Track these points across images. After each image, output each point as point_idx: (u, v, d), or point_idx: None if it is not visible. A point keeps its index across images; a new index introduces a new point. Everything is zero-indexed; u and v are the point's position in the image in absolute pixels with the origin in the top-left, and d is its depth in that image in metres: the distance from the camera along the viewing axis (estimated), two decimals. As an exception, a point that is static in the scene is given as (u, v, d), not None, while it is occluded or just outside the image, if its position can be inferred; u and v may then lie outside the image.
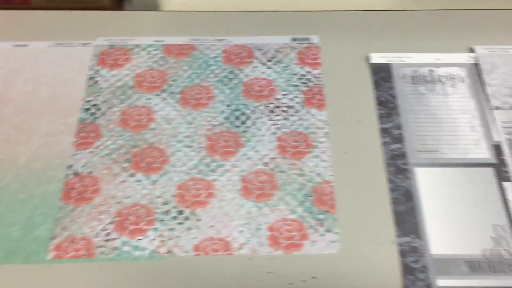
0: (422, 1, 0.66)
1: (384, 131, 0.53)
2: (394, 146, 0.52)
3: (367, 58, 0.59)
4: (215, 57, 0.59)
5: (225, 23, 0.62)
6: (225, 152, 0.52)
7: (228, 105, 0.55)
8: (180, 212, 0.48)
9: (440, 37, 0.60)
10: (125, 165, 0.50)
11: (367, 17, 0.63)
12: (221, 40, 0.61)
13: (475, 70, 0.57)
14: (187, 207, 0.48)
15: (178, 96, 0.56)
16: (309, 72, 0.58)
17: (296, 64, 0.59)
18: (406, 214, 0.48)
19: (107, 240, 0.46)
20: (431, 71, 0.58)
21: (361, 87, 0.57)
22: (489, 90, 0.55)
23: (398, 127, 0.53)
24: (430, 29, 0.61)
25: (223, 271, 0.44)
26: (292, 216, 0.48)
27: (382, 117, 0.54)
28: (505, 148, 0.51)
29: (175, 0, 0.68)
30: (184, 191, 0.49)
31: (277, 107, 0.55)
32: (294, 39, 0.61)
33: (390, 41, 0.60)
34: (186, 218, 0.47)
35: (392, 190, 0.49)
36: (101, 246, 0.46)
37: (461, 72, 0.57)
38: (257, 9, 0.64)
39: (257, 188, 0.49)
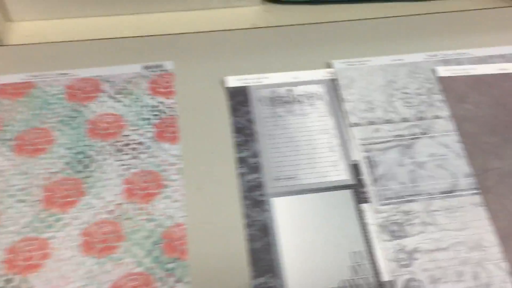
0: (277, 18, 0.63)
1: (241, 161, 0.50)
2: (251, 177, 0.49)
3: (223, 82, 0.55)
4: (56, 94, 0.53)
5: (70, 54, 0.57)
6: (64, 203, 0.46)
7: (69, 148, 0.50)
8: (9, 281, 0.42)
9: (299, 54, 0.58)
10: None
11: (223, 37, 0.59)
12: (64, 74, 0.55)
13: (334, 86, 0.55)
14: (17, 273, 0.42)
15: (11, 143, 0.50)
16: (161, 102, 0.54)
17: (147, 94, 0.54)
18: (262, 252, 0.45)
19: None
20: (289, 90, 0.55)
21: (217, 114, 0.53)
22: (347, 106, 0.54)
23: (256, 155, 0.50)
24: (288, 46, 0.59)
25: None
26: (138, 270, 0.43)
27: (238, 145, 0.51)
28: (363, 167, 0.50)
29: (19, 32, 0.62)
30: (14, 255, 0.43)
31: (126, 145, 0.50)
32: (146, 67, 0.56)
33: (247, 61, 0.57)
34: (16, 287, 0.42)
35: (248, 225, 0.46)
36: None
37: (319, 89, 0.55)
38: (107, 36, 0.59)
39: (100, 241, 0.44)
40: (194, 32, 0.60)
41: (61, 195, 0.47)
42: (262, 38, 0.60)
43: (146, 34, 0.59)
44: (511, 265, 0.44)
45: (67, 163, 0.49)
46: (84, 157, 0.49)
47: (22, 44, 0.59)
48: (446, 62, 0.57)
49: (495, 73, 0.56)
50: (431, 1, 0.64)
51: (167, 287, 0.43)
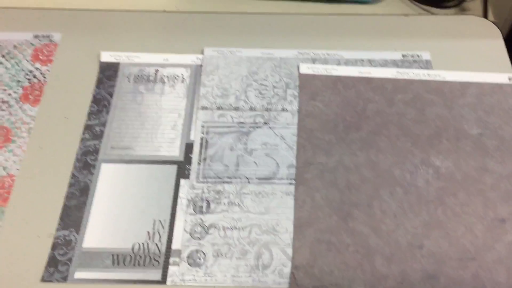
0: (183, 4, 0.67)
1: (87, 128, 0.54)
2: (91, 143, 0.53)
3: (99, 57, 0.60)
4: None
5: (-26, 18, 0.63)
6: None
7: None
8: None
9: (177, 38, 0.62)
10: None
11: (114, 17, 0.64)
12: (-39, 35, 0.61)
13: (198, 71, 0.59)
14: None
15: None
16: (38, 68, 0.59)
17: (28, 60, 0.59)
18: (75, 209, 0.49)
19: None
20: (156, 71, 0.59)
21: (85, 85, 0.58)
22: (202, 90, 0.57)
23: (103, 124, 0.55)
24: (170, 30, 0.63)
25: None
26: (-39, 209, 0.48)
27: (91, 114, 0.55)
28: (196, 147, 0.53)
29: None
30: None
31: (-8, 102, 0.56)
32: (36, 36, 0.62)
33: (129, 40, 0.61)
34: None
35: (71, 185, 0.50)
36: None
37: (185, 73, 0.59)
38: (10, 6, 0.65)
39: None
40: (86, 9, 0.64)
41: None
42: (151, 21, 0.63)
43: (43, 7, 0.65)
44: (293, 251, 0.46)
45: None
46: (-48, 108, 0.55)
47: None
48: (314, 60, 0.60)
49: (355, 75, 0.58)
50: (318, 3, 0.66)
51: (-20, 227, 0.48)
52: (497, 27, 0.64)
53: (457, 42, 0.61)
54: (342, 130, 0.54)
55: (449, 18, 0.64)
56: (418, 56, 0.60)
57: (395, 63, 0.59)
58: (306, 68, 0.59)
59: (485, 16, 0.67)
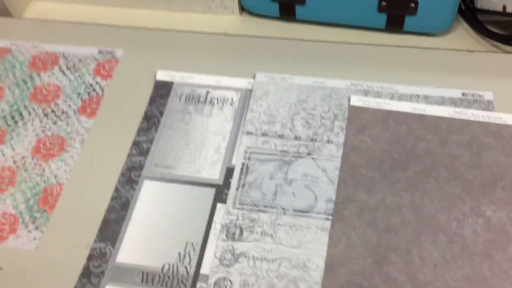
0: (247, 28, 0.68)
1: (135, 144, 0.56)
2: (137, 158, 0.55)
3: (155, 75, 0.62)
4: (23, 61, 0.64)
5: (53, 32, 0.68)
6: (-16, 147, 0.56)
7: (11, 106, 0.60)
8: None
9: (231, 62, 0.63)
10: None
11: (171, 36, 0.66)
12: (36, 46, 0.66)
13: (248, 95, 0.59)
14: None
15: (-30, 93, 0.61)
16: (98, 82, 0.62)
17: (90, 74, 0.63)
18: (114, 223, 0.51)
19: None
20: (207, 92, 0.60)
21: (138, 102, 0.60)
22: (249, 115, 0.57)
23: (150, 141, 0.56)
24: (227, 52, 0.64)
25: None
26: (13, 211, 0.51)
27: (140, 131, 0.57)
28: (237, 172, 0.53)
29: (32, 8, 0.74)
30: None
31: (53, 111, 0.59)
32: (100, 51, 0.65)
33: (187, 61, 0.63)
34: None
35: (113, 198, 0.52)
36: None
37: (234, 96, 0.59)
38: (86, 22, 0.69)
39: (-4, 182, 0.54)
40: (150, 28, 0.67)
41: (-14, 141, 0.57)
42: (209, 43, 0.65)
43: (108, 23, 0.68)
44: None
45: (3, 117, 0.59)
46: (18, 115, 0.59)
47: (26, 18, 0.71)
48: (366, 92, 0.58)
49: (408, 111, 0.56)
50: (379, 32, 0.64)
51: (26, 231, 0.50)
52: None
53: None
54: (388, 168, 0.52)
55: (517, 57, 0.60)
56: (480, 96, 0.56)
57: (453, 102, 0.56)
58: (357, 101, 0.57)
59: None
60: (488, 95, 0.56)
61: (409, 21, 0.62)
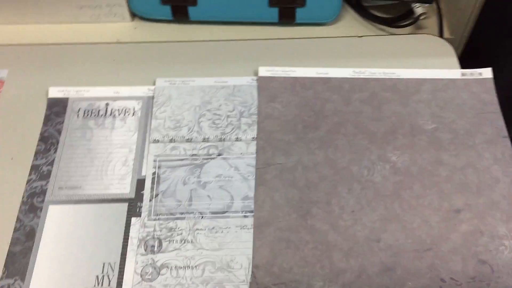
0: (139, 35, 0.66)
1: (34, 168, 0.52)
2: (38, 184, 0.51)
3: (48, 93, 0.58)
4: None
5: None
6: None
7: None
8: None
9: (129, 70, 0.61)
10: None
11: (61, 50, 0.62)
12: None
13: (150, 102, 0.57)
14: None
15: None
16: (-17, 108, 0.57)
17: (-27, 99, 0.57)
18: (20, 255, 0.47)
19: None
20: (107, 105, 0.57)
21: (32, 123, 0.56)
22: (154, 123, 0.56)
23: (51, 164, 0.53)
24: (123, 61, 0.61)
25: None
26: None
27: (38, 154, 0.53)
28: (148, 182, 0.51)
29: None
30: None
31: None
32: (-18, 74, 0.60)
33: (81, 74, 0.60)
34: None
35: (16, 229, 0.48)
36: None
37: (136, 106, 0.57)
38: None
39: None
40: (35, 44, 0.63)
41: None
42: (102, 53, 0.62)
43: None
44: (253, 251, 0.47)
45: None
46: None
47: None
48: (268, 86, 0.59)
49: (313, 76, 0.58)
50: (271, 26, 0.66)
51: None
52: (453, 43, 0.64)
53: (410, 61, 0.61)
54: (301, 130, 0.54)
55: (404, 38, 0.64)
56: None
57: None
58: (265, 71, 0.58)
59: (441, 33, 0.67)
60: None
61: (299, 13, 0.64)
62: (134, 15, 0.67)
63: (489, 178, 0.50)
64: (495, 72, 0.58)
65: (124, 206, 0.50)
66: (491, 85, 0.57)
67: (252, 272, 0.45)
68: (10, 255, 0.47)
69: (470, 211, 0.48)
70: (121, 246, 0.47)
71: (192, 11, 0.64)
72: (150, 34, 0.66)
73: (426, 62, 0.61)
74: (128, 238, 0.48)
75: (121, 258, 0.47)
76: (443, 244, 0.47)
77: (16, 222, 0.49)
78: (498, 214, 0.48)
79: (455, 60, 0.61)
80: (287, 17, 0.64)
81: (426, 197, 0.49)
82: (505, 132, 0.54)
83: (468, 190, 0.50)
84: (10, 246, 0.47)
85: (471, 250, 0.46)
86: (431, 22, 0.69)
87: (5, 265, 0.46)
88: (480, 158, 0.52)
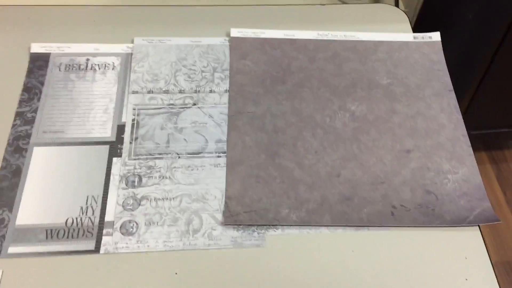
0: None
1: (18, 115, 0.55)
2: (22, 128, 0.54)
3: (30, 49, 0.61)
4: None
5: None
6: None
7: None
8: None
9: (109, 29, 0.64)
10: None
11: (43, 11, 0.65)
12: None
13: (129, 59, 0.61)
14: None
15: None
16: (-33, 61, 0.59)
17: (-44, 53, 0.60)
18: (7, 189, 0.50)
19: None
20: (87, 60, 0.61)
21: (15, 76, 0.59)
22: (133, 76, 0.60)
23: (35, 111, 0.56)
24: (102, 23, 0.65)
25: None
26: None
27: (22, 102, 0.57)
28: (128, 127, 0.55)
29: None
30: None
31: None
32: (-36, 31, 0.62)
33: (62, 34, 0.63)
34: None
35: (3, 167, 0.51)
36: None
37: (115, 61, 0.61)
38: None
39: None
40: (17, 5, 0.66)
41: None
42: (82, 15, 0.66)
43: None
44: (226, 185, 0.51)
45: None
46: None
47: None
48: (239, 46, 0.63)
49: (281, 37, 0.63)
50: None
51: None
52: (407, 16, 0.70)
53: (368, 27, 0.67)
54: (269, 84, 0.59)
55: (363, 6, 0.70)
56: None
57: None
58: (237, 32, 0.63)
59: (397, 5, 0.74)
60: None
61: (268, -18, 0.69)
62: (112, -19, 0.70)
63: (436, 124, 0.57)
64: (443, 38, 0.65)
65: (106, 148, 0.54)
66: (439, 47, 0.64)
67: (225, 202, 0.50)
68: (-2, 189, 0.50)
69: (419, 151, 0.55)
70: (103, 182, 0.51)
71: (168, -23, 0.68)
72: None
73: (383, 28, 0.67)
74: (110, 175, 0.52)
75: (103, 192, 0.51)
76: (395, 178, 0.53)
77: (3, 161, 0.52)
78: (443, 154, 0.54)
79: (408, 27, 0.68)
80: (256, -15, 0.69)
81: (380, 140, 0.55)
82: (450, 86, 0.60)
83: (417, 134, 0.56)
84: (-3, 182, 0.50)
85: (419, 183, 0.52)
86: (389, -4, 0.75)
87: (-6, 198, 0.49)
88: (429, 108, 0.58)
